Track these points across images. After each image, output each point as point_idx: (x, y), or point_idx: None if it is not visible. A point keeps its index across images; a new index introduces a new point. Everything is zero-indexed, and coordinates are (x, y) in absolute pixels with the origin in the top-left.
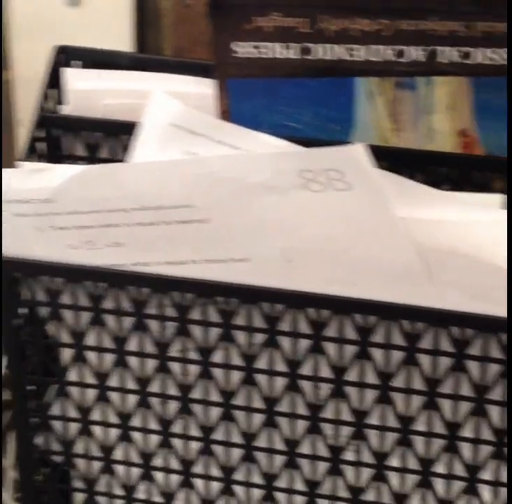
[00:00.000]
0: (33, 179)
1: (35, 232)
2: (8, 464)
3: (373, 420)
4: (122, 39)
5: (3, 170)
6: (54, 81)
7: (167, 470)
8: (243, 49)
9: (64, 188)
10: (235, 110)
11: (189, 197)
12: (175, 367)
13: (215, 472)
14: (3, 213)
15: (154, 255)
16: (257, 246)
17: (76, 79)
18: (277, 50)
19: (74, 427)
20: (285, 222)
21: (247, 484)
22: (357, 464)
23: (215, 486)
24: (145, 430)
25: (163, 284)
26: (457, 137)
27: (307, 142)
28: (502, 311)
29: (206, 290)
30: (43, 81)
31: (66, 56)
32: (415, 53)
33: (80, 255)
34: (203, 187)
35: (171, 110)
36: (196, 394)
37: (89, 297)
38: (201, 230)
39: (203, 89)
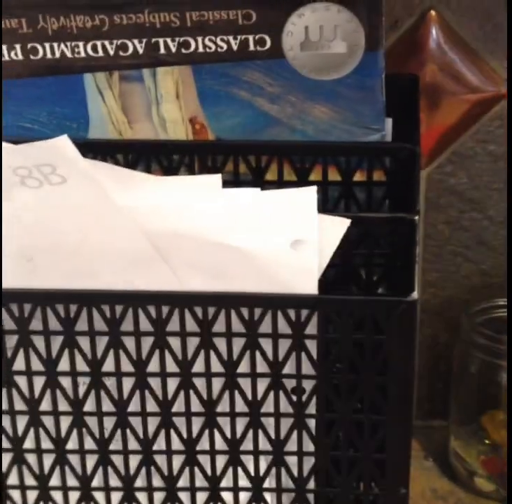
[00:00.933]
0: None
1: None
2: None
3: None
4: None
5: None
6: None
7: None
8: None
9: None
10: None
11: None
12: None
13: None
14: None
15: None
16: (2, 245)
17: None
18: (2, 52)
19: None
20: (16, 221)
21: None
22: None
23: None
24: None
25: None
26: (188, 124)
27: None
28: (239, 287)
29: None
30: None
31: None
32: (136, 46)
33: None
34: None
35: None
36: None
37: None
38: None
39: None
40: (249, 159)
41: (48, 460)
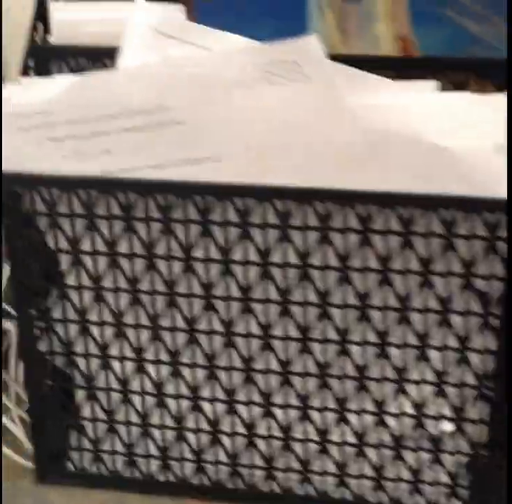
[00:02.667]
0: (34, 92)
1: (34, 145)
2: (9, 377)
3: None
4: None
5: (5, 85)
6: (39, 15)
7: (158, 362)
8: None
9: (61, 98)
10: None
11: (164, 99)
12: (162, 265)
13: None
14: (7, 127)
15: (138, 160)
16: (230, 143)
17: (60, 11)
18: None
19: (74, 328)
20: (253, 117)
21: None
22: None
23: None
24: (138, 326)
25: (146, 188)
26: (397, 42)
27: None
28: (442, 189)
29: (184, 190)
30: (31, 15)
31: None
32: None
33: (73, 164)
34: (174, 88)
35: (153, 17)
36: (181, 288)
37: (82, 204)
38: (178, 132)
39: (179, 15)
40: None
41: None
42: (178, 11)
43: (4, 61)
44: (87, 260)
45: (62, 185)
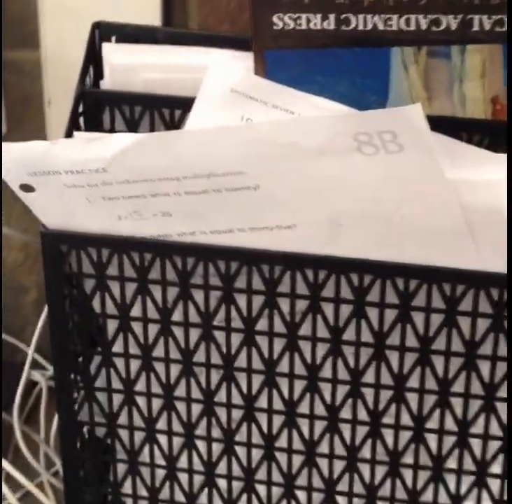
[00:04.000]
0: (89, 149)
1: (85, 203)
2: (39, 438)
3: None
4: (150, 16)
5: (59, 141)
6: (92, 57)
7: (209, 439)
8: (282, 21)
9: (119, 158)
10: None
11: (240, 163)
12: (219, 336)
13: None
14: (55, 183)
15: (200, 224)
16: (304, 211)
17: (114, 54)
18: (314, 21)
19: (118, 398)
20: (335, 186)
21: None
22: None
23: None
24: (188, 400)
25: (208, 253)
26: (489, 104)
27: None
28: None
29: (250, 258)
30: (83, 57)
31: (103, 31)
32: (449, 22)
33: (128, 225)
34: (254, 153)
35: (229, 75)
36: (240, 362)
37: (134, 267)
38: (249, 197)
39: (240, 62)
40: None
41: (156, 404)
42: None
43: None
44: (137, 327)
45: (115, 246)
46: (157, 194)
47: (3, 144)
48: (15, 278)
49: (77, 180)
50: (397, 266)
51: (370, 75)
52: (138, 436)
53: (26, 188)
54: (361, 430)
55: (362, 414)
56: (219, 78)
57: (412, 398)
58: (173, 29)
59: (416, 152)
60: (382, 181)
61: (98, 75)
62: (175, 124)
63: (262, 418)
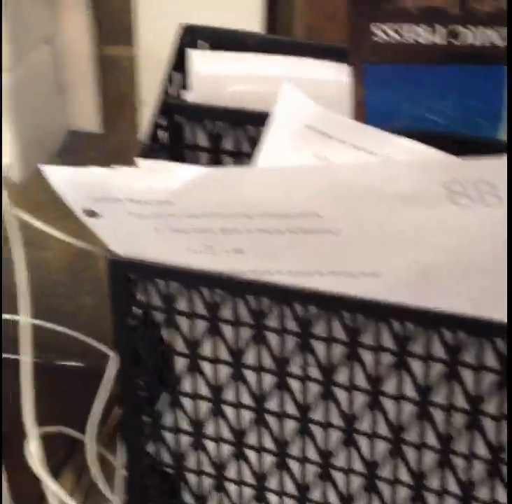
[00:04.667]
0: (152, 179)
1: (154, 232)
2: (118, 464)
3: None
4: (251, 16)
5: (121, 169)
6: (179, 63)
7: (281, 493)
8: (383, 32)
9: (184, 191)
10: (371, 101)
11: (317, 205)
12: (294, 384)
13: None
14: (115, 211)
15: (276, 264)
16: (390, 260)
17: (201, 62)
18: (421, 34)
19: (186, 439)
20: (424, 236)
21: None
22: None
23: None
24: (260, 449)
25: (284, 294)
26: None
27: (449, 138)
28: None
29: (332, 303)
30: (168, 63)
31: (192, 36)
32: None
33: (200, 259)
34: (332, 196)
35: (304, 109)
36: (316, 415)
37: (206, 304)
38: (329, 241)
39: (338, 75)
40: None
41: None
42: (333, 96)
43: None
44: (207, 367)
45: (185, 280)
46: (226, 230)
47: (62, 168)
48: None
49: (142, 209)
50: (494, 324)
51: (481, 96)
52: (208, 481)
53: (90, 213)
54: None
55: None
56: (291, 111)
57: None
58: (269, 36)
59: None
60: (478, 234)
61: (185, 82)
62: (260, 140)
63: (339, 477)
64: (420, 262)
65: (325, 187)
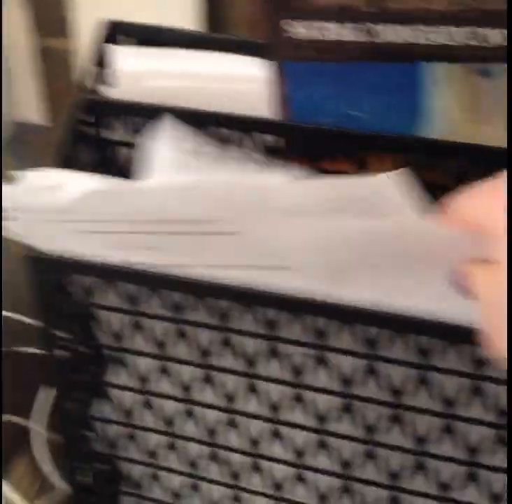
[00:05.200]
0: (43, 196)
1: (65, 233)
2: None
3: None
4: (190, 11)
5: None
6: (101, 59)
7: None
8: (299, 29)
9: (78, 204)
10: (296, 98)
11: (217, 212)
12: (219, 377)
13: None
14: (26, 217)
15: (190, 259)
16: (291, 256)
17: (124, 58)
18: (334, 31)
19: (119, 429)
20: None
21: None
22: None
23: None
24: (189, 438)
25: (199, 288)
26: None
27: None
28: None
29: (245, 297)
30: (89, 59)
31: (115, 32)
32: (490, 35)
33: (115, 255)
34: (230, 206)
35: (183, 138)
36: (239, 405)
37: (129, 299)
38: (231, 241)
39: (262, 72)
40: None
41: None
42: (255, 92)
43: None
44: (132, 359)
45: (101, 275)
46: (133, 232)
47: None
48: None
49: (48, 216)
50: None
51: (398, 93)
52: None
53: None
54: None
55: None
56: (169, 140)
57: None
58: (194, 32)
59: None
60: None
61: (106, 78)
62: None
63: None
64: (321, 257)
65: (220, 200)
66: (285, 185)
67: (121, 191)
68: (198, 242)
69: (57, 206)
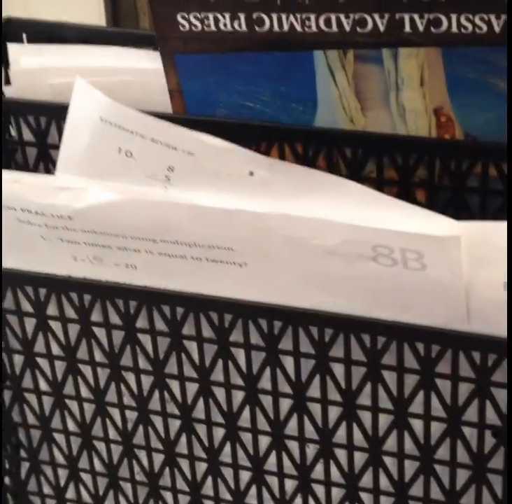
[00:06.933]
0: (59, 196)
1: (39, 240)
2: None
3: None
4: (95, 5)
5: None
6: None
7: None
8: (187, 21)
9: (87, 212)
10: (187, 89)
11: (230, 241)
12: (173, 383)
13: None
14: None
15: (170, 284)
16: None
17: (19, 55)
18: (223, 22)
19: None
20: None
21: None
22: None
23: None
24: (108, 441)
25: (152, 297)
26: (432, 116)
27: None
28: None
29: (199, 305)
30: None
31: (13, 29)
32: (376, 22)
33: (84, 268)
34: (245, 235)
35: (99, 104)
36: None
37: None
38: (235, 272)
39: (156, 64)
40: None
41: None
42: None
43: None
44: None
45: (52, 286)
46: (125, 249)
47: None
48: None
49: (34, 219)
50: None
51: (294, 82)
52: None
53: None
54: None
55: None
56: (84, 106)
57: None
58: (89, 26)
59: (441, 274)
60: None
61: (5, 80)
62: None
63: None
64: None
65: (247, 231)
66: (330, 225)
67: (134, 204)
68: (196, 268)
69: (62, 212)
